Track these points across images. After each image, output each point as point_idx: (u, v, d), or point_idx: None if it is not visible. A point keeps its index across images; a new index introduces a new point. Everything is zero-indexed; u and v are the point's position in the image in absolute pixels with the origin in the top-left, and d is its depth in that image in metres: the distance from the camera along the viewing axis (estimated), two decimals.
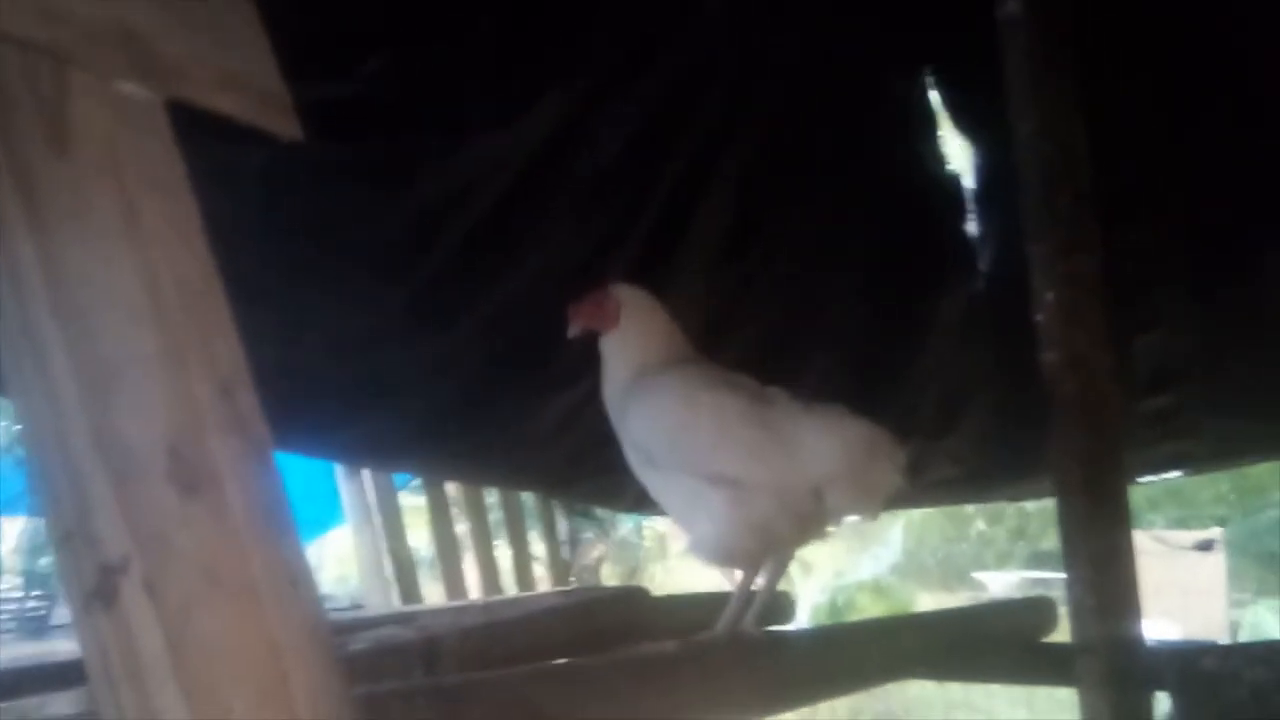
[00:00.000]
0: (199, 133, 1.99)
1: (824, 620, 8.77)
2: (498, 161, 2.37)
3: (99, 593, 0.75)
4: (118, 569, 0.75)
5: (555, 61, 2.23)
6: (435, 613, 2.85)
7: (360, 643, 1.79)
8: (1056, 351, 2.46)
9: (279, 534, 0.83)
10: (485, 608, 3.32)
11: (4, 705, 1.50)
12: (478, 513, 4.83)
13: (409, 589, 4.49)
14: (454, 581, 4.49)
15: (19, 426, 0.77)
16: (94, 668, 0.77)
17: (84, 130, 0.78)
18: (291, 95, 0.93)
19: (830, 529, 2.16)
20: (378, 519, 4.52)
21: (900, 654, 2.49)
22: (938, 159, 3.04)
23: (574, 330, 2.23)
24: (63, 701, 1.45)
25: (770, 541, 2.09)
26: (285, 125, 0.93)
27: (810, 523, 2.10)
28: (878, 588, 14.43)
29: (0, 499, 7.53)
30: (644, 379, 2.18)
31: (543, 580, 5.15)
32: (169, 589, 0.75)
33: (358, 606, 5.20)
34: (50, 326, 0.75)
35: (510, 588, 4.88)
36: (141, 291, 0.79)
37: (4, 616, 10.16)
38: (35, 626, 9.66)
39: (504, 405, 2.90)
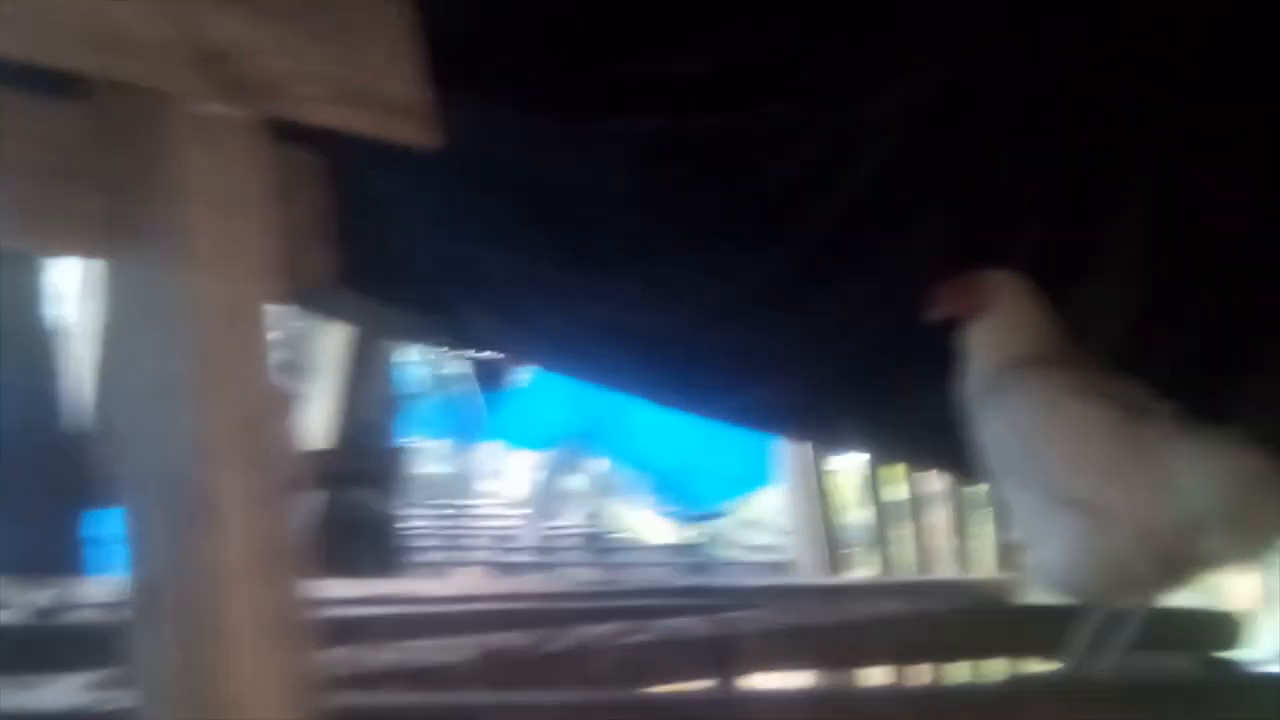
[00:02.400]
0: (553, 109, 2.11)
1: None
2: (874, 133, 2.24)
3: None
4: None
5: (930, 25, 2.05)
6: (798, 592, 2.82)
7: (647, 634, 1.80)
8: None
9: (274, 578, 0.82)
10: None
11: None
12: (914, 486, 4.66)
13: (837, 558, 4.46)
14: (885, 556, 4.37)
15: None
16: None
17: (152, 152, 0.79)
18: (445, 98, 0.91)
19: (1204, 574, 1.85)
20: (810, 482, 4.52)
21: None
22: None
23: (936, 313, 2.06)
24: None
25: (1123, 581, 1.82)
26: (420, 134, 0.91)
27: (1178, 566, 1.81)
28: None
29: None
30: (1007, 377, 1.98)
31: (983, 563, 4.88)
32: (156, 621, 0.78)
33: (787, 565, 5.24)
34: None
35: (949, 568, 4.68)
36: (182, 317, 0.79)
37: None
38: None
39: (877, 388, 2.76)
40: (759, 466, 6.41)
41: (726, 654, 1.88)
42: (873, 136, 2.29)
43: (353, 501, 3.46)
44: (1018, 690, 1.93)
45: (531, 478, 9.36)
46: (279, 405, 0.86)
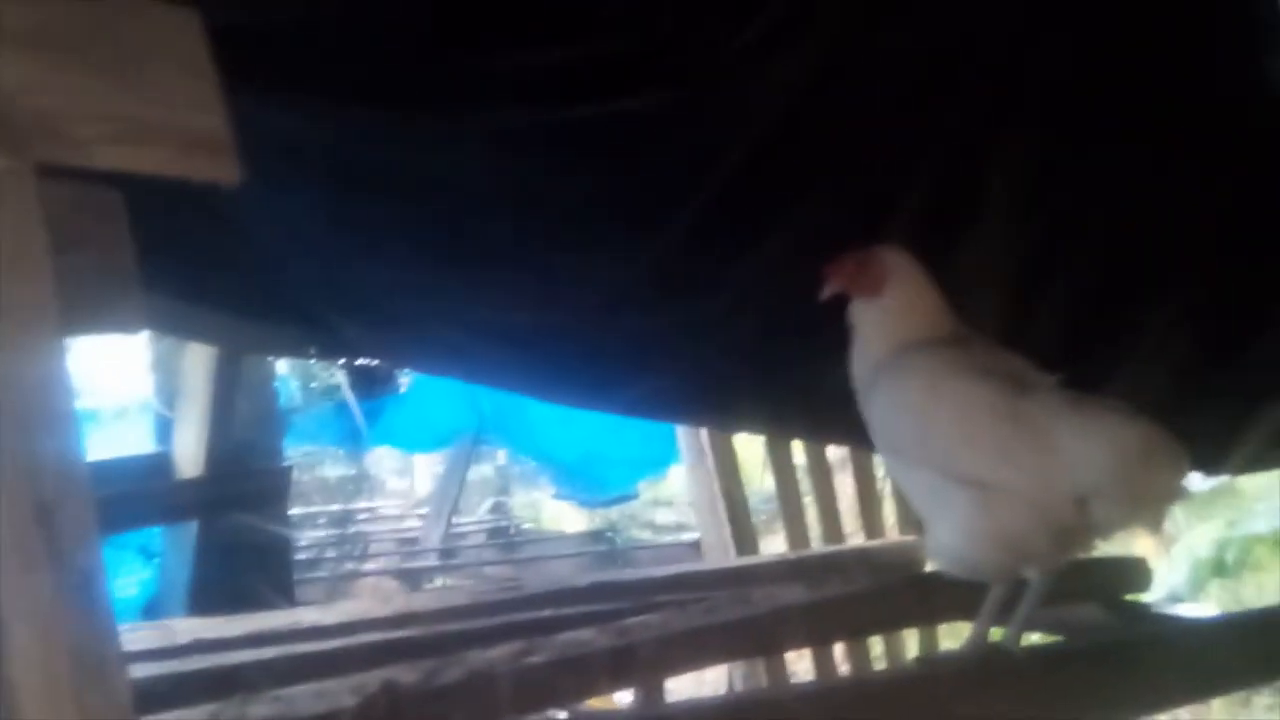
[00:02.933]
0: (418, 100, 2.01)
1: (1206, 578, 7.11)
2: (751, 112, 2.17)
3: None
4: None
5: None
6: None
7: (544, 653, 1.72)
8: None
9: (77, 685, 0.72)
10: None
11: None
12: (817, 454, 4.61)
13: (743, 533, 4.41)
14: (795, 529, 4.30)
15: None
16: None
17: None
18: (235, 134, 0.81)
19: (1098, 542, 1.84)
20: (710, 459, 4.46)
21: None
22: None
23: (828, 291, 2.02)
24: None
25: (1020, 555, 1.81)
26: (220, 169, 0.82)
27: (1072, 536, 1.80)
28: None
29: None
30: (896, 356, 1.94)
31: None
32: None
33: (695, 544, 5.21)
34: None
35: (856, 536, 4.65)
36: None
37: None
38: None
39: (774, 368, 2.71)
40: (663, 447, 6.38)
41: (627, 665, 1.82)
42: (750, 116, 2.23)
43: (235, 527, 3.31)
44: (933, 672, 1.90)
45: (432, 476, 9.22)
46: (78, 477, 0.76)
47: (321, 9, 1.84)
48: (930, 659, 1.88)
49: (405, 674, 1.63)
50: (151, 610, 3.43)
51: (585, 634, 1.85)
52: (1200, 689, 2.43)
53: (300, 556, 7.05)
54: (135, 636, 2.14)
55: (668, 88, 2.09)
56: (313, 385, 5.92)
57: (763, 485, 4.90)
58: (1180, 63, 2.22)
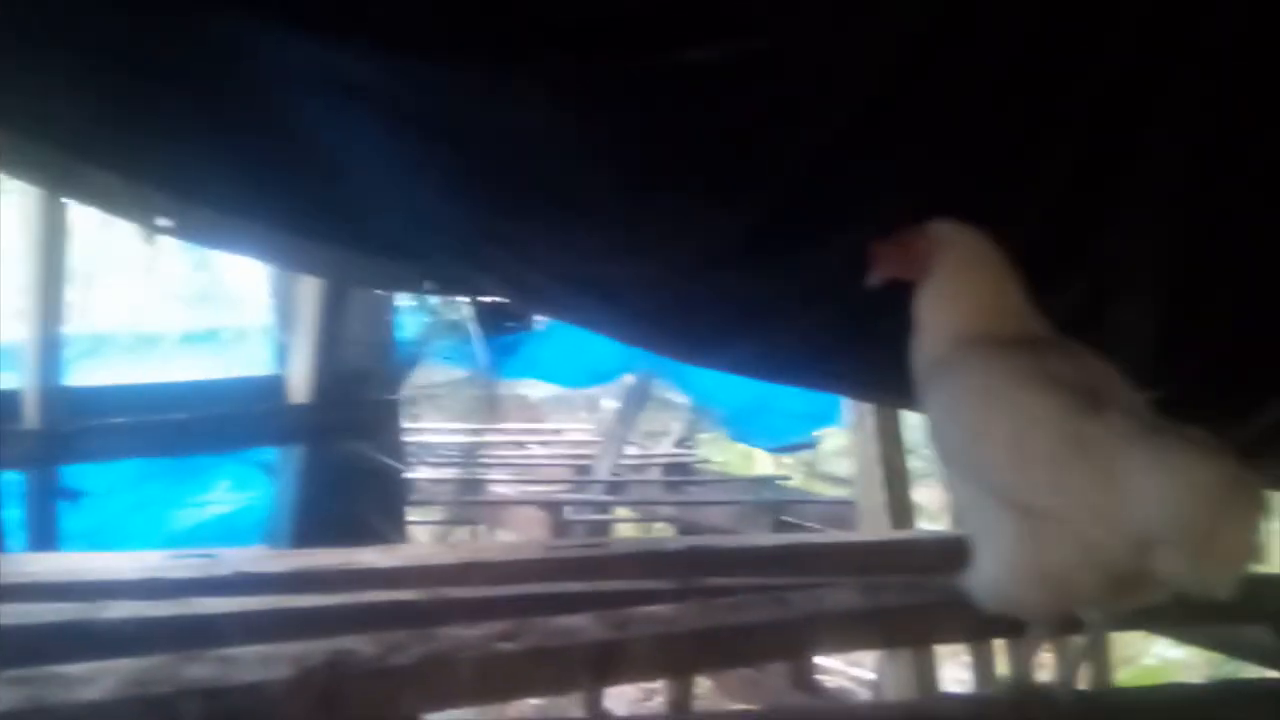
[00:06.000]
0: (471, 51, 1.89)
1: None
2: (840, 73, 1.95)
3: None
4: None
5: None
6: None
7: (525, 638, 1.60)
8: None
9: None
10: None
11: None
12: None
13: (900, 503, 4.17)
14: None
15: None
16: None
17: None
18: None
19: (1162, 595, 1.56)
20: (870, 422, 4.22)
21: None
22: None
23: (876, 278, 1.79)
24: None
25: (1067, 597, 1.56)
26: None
27: (1130, 583, 1.53)
28: None
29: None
30: (951, 355, 1.70)
31: None
32: None
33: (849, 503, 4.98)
34: None
35: None
36: None
37: None
38: None
39: (875, 339, 2.48)
40: (828, 403, 6.16)
41: (614, 663, 1.69)
42: (843, 76, 2.01)
43: (342, 454, 3.34)
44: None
45: (607, 408, 9.26)
46: None
47: None
48: (944, 698, 1.65)
49: (361, 647, 1.55)
50: (268, 529, 3.53)
51: (578, 620, 1.72)
52: None
53: (455, 478, 7.22)
54: (175, 564, 2.15)
55: (744, 37, 1.90)
56: (444, 317, 5.96)
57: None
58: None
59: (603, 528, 7.36)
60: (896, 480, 4.17)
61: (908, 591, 2.21)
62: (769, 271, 2.36)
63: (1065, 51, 2.01)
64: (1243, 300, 2.41)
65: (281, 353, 3.59)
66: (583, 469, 8.31)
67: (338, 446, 3.35)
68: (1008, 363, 1.63)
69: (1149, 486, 1.43)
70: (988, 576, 1.61)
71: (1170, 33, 2.02)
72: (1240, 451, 1.43)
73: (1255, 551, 1.43)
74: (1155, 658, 5.66)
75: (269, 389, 3.41)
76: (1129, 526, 1.45)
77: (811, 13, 1.88)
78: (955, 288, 1.72)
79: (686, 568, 2.58)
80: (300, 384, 3.33)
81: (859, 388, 3.24)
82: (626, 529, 8.40)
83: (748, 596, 2.02)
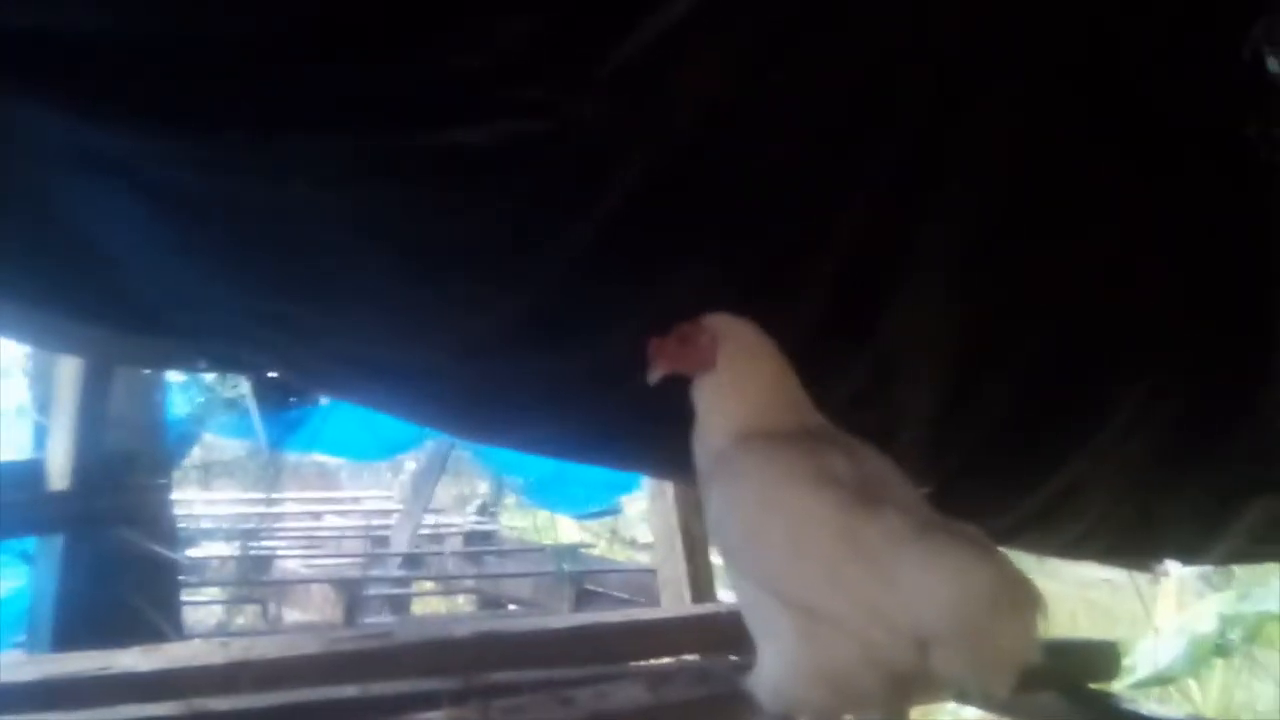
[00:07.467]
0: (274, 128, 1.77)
1: (1206, 657, 6.54)
2: (621, 153, 1.91)
3: None
4: None
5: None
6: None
7: None
8: None
9: None
10: None
11: None
12: None
13: (700, 574, 4.14)
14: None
15: None
16: None
17: None
18: None
19: (944, 692, 1.56)
20: (670, 491, 4.18)
21: None
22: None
23: (655, 374, 1.74)
24: None
25: (847, 698, 1.54)
26: None
27: (911, 684, 1.52)
28: None
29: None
30: (731, 451, 1.67)
31: None
32: None
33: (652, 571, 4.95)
34: None
35: None
36: None
37: None
38: None
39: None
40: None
41: None
42: (627, 155, 1.97)
43: (107, 543, 3.10)
44: None
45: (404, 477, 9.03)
46: None
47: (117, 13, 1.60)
48: None
49: None
50: (29, 622, 3.24)
51: None
52: None
53: (241, 555, 6.86)
54: None
55: (519, 119, 1.83)
56: (221, 394, 5.68)
57: None
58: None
59: (401, 601, 7.11)
60: (697, 549, 4.15)
61: (696, 683, 2.17)
62: (553, 356, 2.29)
63: (839, 141, 2.03)
64: (1020, 376, 2.48)
65: (40, 435, 3.34)
66: (381, 540, 8.02)
67: (102, 534, 3.10)
68: (785, 460, 1.61)
69: (924, 587, 1.43)
70: (770, 676, 1.57)
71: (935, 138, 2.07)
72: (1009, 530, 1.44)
73: (1032, 649, 1.43)
74: (949, 714, 5.78)
75: (26, 475, 3.14)
76: (906, 627, 1.44)
77: (594, 96, 1.84)
78: (733, 381, 1.69)
79: (473, 658, 2.49)
80: (60, 469, 3.08)
81: (652, 467, 3.21)
82: (426, 600, 8.15)
83: (531, 697, 1.93)
